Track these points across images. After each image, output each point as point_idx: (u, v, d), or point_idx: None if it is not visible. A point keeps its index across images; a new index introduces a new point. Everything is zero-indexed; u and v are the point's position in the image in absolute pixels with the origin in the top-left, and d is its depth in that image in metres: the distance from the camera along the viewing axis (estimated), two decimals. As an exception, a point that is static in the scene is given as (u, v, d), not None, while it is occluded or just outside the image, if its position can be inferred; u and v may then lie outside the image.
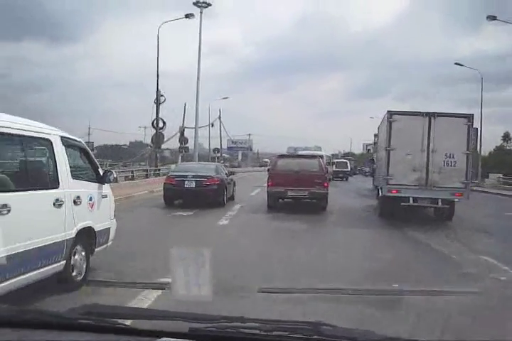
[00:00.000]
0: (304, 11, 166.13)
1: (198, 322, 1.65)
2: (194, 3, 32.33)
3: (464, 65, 35.60)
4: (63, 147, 5.29)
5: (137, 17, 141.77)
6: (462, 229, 11.81)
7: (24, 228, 4.35)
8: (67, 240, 5.08)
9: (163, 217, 13.35)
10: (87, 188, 5.81)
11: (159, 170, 31.87)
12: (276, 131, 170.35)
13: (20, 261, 4.27)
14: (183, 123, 40.17)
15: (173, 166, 35.05)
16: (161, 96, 31.10)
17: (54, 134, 5.21)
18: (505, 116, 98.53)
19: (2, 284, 4.05)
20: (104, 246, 6.27)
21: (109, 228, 6.39)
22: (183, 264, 3.33)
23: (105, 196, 6.35)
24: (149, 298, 5.08)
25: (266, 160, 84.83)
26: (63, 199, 5.04)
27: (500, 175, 31.38)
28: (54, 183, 5.01)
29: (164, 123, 31.79)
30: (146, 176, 28.11)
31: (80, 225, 5.39)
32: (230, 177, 17.69)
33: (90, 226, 5.69)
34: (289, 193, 14.51)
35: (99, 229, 5.94)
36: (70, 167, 5.38)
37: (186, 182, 15.17)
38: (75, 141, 5.88)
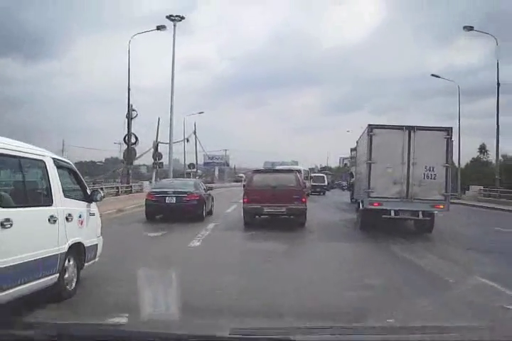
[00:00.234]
0: (279, 27, 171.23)
1: None
2: (167, 17, 32.80)
3: (440, 77, 37.41)
4: (55, 168, 5.98)
5: (112, 33, 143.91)
6: (452, 247, 11.68)
7: (24, 241, 5.00)
8: (60, 254, 5.75)
9: (129, 238, 12.18)
10: (77, 206, 6.51)
11: (131, 186, 31.72)
12: (252, 147, 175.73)
13: (22, 272, 4.91)
14: (156, 139, 40.29)
15: (145, 183, 35.56)
16: (133, 110, 31.20)
17: (47, 156, 5.92)
18: (478, 129, 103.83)
19: (8, 291, 4.69)
20: (92, 261, 6.95)
21: (96, 244, 7.09)
22: (143, 299, 3.60)
23: (93, 214, 7.06)
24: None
25: (241, 175, 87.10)
26: (57, 216, 5.71)
27: (481, 187, 32.31)
28: (48, 201, 5.69)
29: (136, 138, 31.68)
30: (117, 193, 27.57)
31: (71, 241, 6.07)
32: (208, 192, 18.99)
33: (80, 242, 6.37)
34: (266, 210, 14.52)
35: (88, 245, 6.64)
36: (61, 186, 6.06)
37: (167, 198, 16.50)
38: (65, 162, 6.58)
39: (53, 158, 6.04)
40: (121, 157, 40.35)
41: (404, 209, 13.39)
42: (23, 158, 5.36)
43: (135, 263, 7.51)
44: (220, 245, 11.38)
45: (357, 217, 16.16)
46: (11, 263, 4.72)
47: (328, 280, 7.60)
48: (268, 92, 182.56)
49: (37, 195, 5.69)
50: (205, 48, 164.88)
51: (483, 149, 44.78)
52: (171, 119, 35.74)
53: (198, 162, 72.58)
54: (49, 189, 5.74)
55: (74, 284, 6.22)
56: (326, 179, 45.81)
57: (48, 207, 5.64)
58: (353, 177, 24.65)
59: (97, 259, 7.12)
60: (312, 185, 36.09)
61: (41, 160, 5.72)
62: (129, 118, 30.94)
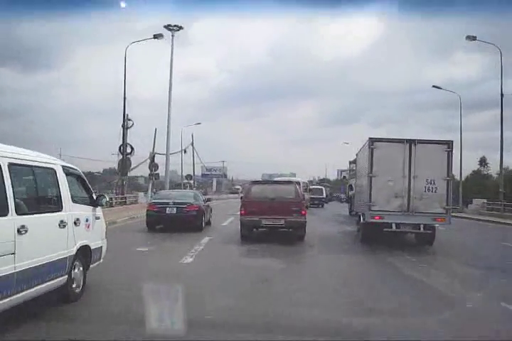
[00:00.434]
0: (278, 40, 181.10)
1: None
2: (165, 27, 33.51)
3: (441, 88, 38.31)
4: (64, 175, 6.63)
5: (111, 45, 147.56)
6: (462, 265, 11.36)
7: (38, 246, 5.59)
8: (69, 257, 6.38)
9: (117, 253, 10.44)
10: (84, 211, 7.17)
11: (125, 198, 31.91)
12: (250, 158, 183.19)
13: (37, 274, 5.52)
14: (153, 149, 40.79)
15: (141, 194, 36.11)
16: (129, 120, 31.57)
17: (57, 164, 6.58)
18: (476, 142, 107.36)
19: (25, 292, 5.27)
20: (97, 262, 7.64)
21: (101, 247, 7.79)
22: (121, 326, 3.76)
23: (98, 218, 7.75)
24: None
25: (237, 187, 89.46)
26: (66, 221, 6.35)
27: (485, 201, 32.64)
28: (58, 207, 6.33)
29: (132, 148, 31.81)
30: (111, 205, 27.41)
31: (79, 244, 6.71)
32: (207, 203, 20.13)
33: (87, 245, 7.04)
34: (264, 222, 14.53)
35: (94, 248, 7.31)
36: (70, 192, 6.70)
37: (168, 209, 17.68)
38: (73, 169, 7.24)
39: (62, 166, 6.70)
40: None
41: (405, 222, 13.89)
42: (36, 166, 5.99)
43: (120, 282, 7.80)
44: (214, 261, 10.96)
45: (357, 230, 16.72)
46: (27, 267, 5.29)
47: (329, 304, 7.05)
48: (266, 104, 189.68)
49: (48, 202, 6.30)
50: (203, 61, 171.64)
51: (483, 162, 45.62)
52: (168, 130, 36.31)
53: (196, 173, 74.22)
54: (59, 195, 6.39)
55: (81, 286, 6.85)
56: (324, 191, 46.94)
57: (58, 213, 6.27)
58: (351, 189, 25.16)
59: (101, 261, 7.80)
60: (310, 198, 36.83)
61: (52, 168, 6.38)
62: (125, 127, 31.29)
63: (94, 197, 7.72)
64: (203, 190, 76.27)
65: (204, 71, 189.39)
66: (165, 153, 38.01)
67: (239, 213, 15.54)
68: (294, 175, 69.19)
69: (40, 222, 5.74)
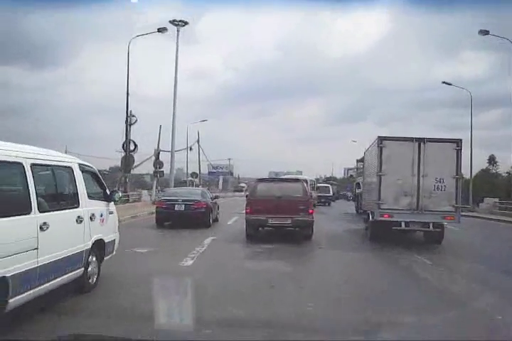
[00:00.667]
0: (284, 36, 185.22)
1: None
2: (170, 22, 33.96)
3: (451, 84, 38.75)
4: (80, 172, 7.29)
5: (117, 41, 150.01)
6: (484, 269, 10.85)
7: (58, 240, 6.22)
8: (85, 250, 7.07)
9: (114, 255, 9.22)
10: (99, 206, 7.86)
11: (128, 196, 32.14)
12: (257, 156, 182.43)
13: (57, 267, 6.16)
14: (157, 146, 41.15)
15: (144, 192, 36.60)
16: (133, 116, 31.96)
17: (74, 162, 7.24)
18: (482, 140, 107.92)
19: (46, 285, 5.91)
20: (110, 255, 8.37)
21: (114, 240, 8.53)
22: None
23: (111, 212, 8.47)
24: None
25: (242, 184, 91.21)
26: (83, 216, 7.02)
27: (497, 200, 32.90)
28: (75, 203, 6.99)
29: (136, 145, 32.08)
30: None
31: (95, 238, 7.40)
32: (214, 200, 21.52)
33: (101, 239, 7.73)
34: (270, 221, 14.59)
35: (107, 241, 8.03)
36: (86, 189, 7.36)
37: (176, 206, 18.89)
38: (88, 166, 7.90)
39: (79, 164, 7.36)
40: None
41: (414, 220, 14.39)
42: (55, 166, 6.64)
43: (113, 287, 7.73)
44: (215, 264, 10.56)
45: (365, 229, 17.31)
46: (48, 261, 5.91)
47: (342, 318, 6.53)
48: (273, 102, 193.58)
49: (67, 199, 6.94)
50: (210, 58, 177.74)
51: (492, 160, 45.99)
52: (173, 126, 36.73)
53: (203, 171, 75.29)
54: (76, 192, 7.06)
55: (95, 277, 7.55)
56: (331, 189, 47.65)
57: (75, 209, 6.93)
58: (359, 188, 25.65)
59: (114, 253, 8.56)
60: (317, 196, 37.41)
61: (69, 167, 7.04)
62: (128, 124, 31.62)
63: (108, 192, 8.42)
64: (208, 187, 77.87)
65: (211, 68, 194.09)
66: (169, 150, 38.40)
67: (244, 212, 15.65)
68: (300, 173, 70.12)
69: (60, 219, 6.36)
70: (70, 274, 6.68)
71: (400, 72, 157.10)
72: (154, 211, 19.95)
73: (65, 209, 6.69)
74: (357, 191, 30.38)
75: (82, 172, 7.39)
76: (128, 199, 31.38)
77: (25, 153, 5.78)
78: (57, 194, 6.76)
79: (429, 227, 14.46)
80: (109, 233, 8.25)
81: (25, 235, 5.46)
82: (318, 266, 11.32)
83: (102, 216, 7.86)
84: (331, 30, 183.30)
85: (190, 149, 61.29)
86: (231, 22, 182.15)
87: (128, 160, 31.77)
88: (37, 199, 5.75)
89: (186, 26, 34.88)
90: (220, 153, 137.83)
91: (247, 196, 16.38)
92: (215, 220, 20.60)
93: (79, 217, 6.92)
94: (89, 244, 7.18)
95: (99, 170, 9.04)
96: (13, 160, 5.45)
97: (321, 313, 6.66)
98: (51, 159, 6.56)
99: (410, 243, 15.01)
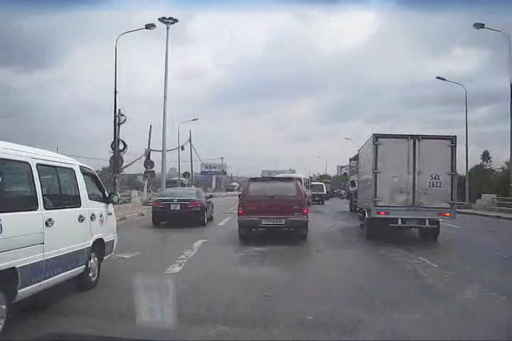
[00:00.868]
0: (276, 35, 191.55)
1: None
2: (160, 20, 34.47)
3: (445, 79, 39.36)
4: (81, 174, 7.94)
5: (108, 42, 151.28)
6: (498, 274, 9.86)
7: (62, 237, 6.84)
8: (86, 248, 7.70)
9: None
10: (99, 207, 8.50)
11: None
12: (250, 155, 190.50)
13: (61, 262, 6.78)
14: (148, 146, 41.93)
15: (134, 192, 36.89)
16: (122, 115, 32.48)
17: (75, 164, 7.89)
18: (474, 137, 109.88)
19: (51, 278, 6.52)
20: (109, 255, 9.00)
21: (113, 240, 9.16)
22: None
23: (110, 213, 9.10)
24: None
25: (234, 184, 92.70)
26: (84, 216, 7.66)
27: (494, 196, 33.53)
28: (77, 203, 7.62)
29: (125, 145, 32.52)
30: None
31: (95, 237, 8.04)
32: (209, 200, 23.00)
33: (101, 238, 8.36)
34: (264, 222, 14.61)
35: (107, 241, 8.66)
36: (87, 190, 8.03)
37: (172, 205, 20.28)
38: (88, 168, 8.55)
39: (80, 166, 8.02)
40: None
41: (411, 217, 15.05)
42: (58, 167, 7.27)
43: (76, 303, 7.08)
44: (205, 271, 9.90)
45: (360, 226, 18.05)
46: (53, 256, 6.52)
47: (346, 330, 6.07)
48: (265, 101, 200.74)
49: (69, 198, 7.58)
50: (202, 58, 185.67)
51: (486, 156, 46.74)
52: (163, 125, 37.31)
53: (196, 171, 77.44)
54: (77, 192, 7.70)
55: (96, 275, 8.19)
56: (324, 187, 48.69)
57: (77, 208, 7.57)
58: (354, 185, 26.27)
59: (113, 253, 9.19)
60: (311, 194, 38.10)
61: (71, 168, 7.69)
62: (117, 123, 32.04)
63: (107, 194, 9.07)
64: (202, 187, 79.12)
65: (202, 68, 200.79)
66: (160, 149, 38.88)
67: (237, 212, 15.74)
68: (293, 171, 71.75)
69: (64, 216, 6.99)
70: (73, 270, 7.30)
71: (391, 70, 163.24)
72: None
73: (67, 207, 7.33)
74: (350, 189, 31.17)
75: (83, 174, 8.04)
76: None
77: (31, 154, 6.41)
78: (61, 193, 7.40)
79: (425, 224, 15.10)
80: (109, 233, 8.89)
81: (33, 230, 6.07)
82: (317, 271, 10.57)
83: (101, 216, 8.49)
84: (321, 28, 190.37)
85: (182, 148, 62.49)
86: (221, 22, 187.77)
87: (117, 161, 32.00)
88: (42, 196, 6.37)
89: (178, 27, 35.86)
90: (213, 152, 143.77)
91: (239, 196, 16.37)
92: (210, 219, 21.94)
93: (80, 216, 7.55)
94: (90, 243, 7.82)
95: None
96: (21, 160, 6.08)
97: (322, 327, 6.14)
98: (55, 160, 7.20)
99: (409, 242, 15.22)
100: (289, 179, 17.25)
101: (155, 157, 41.22)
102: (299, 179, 20.32)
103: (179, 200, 20.39)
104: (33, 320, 5.97)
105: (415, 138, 15.14)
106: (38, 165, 6.43)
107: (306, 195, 17.02)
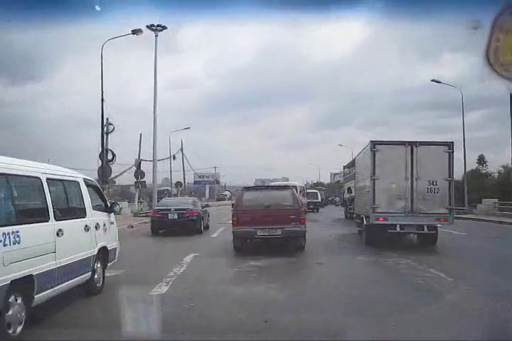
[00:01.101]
0: (267, 44, 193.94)
1: None
2: (148, 27, 35.06)
3: (441, 82, 40.47)
4: (85, 186, 8.79)
5: (97, 54, 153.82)
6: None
7: (71, 246, 7.67)
8: (92, 256, 8.57)
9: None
10: (102, 217, 9.39)
11: None
12: (242, 164, 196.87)
13: (71, 269, 7.62)
14: (138, 156, 42.57)
15: (124, 203, 36.80)
16: (110, 124, 33.28)
17: (79, 177, 8.75)
18: (467, 141, 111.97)
19: (63, 284, 7.35)
20: (113, 262, 9.89)
21: (115, 248, 10.05)
22: None
23: (112, 223, 10.00)
24: None
25: (225, 193, 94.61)
26: (90, 225, 8.53)
27: (496, 200, 34.13)
28: (83, 213, 8.50)
29: (114, 155, 32.98)
30: None
31: (99, 245, 8.91)
32: (205, 209, 24.80)
33: (105, 246, 9.24)
34: (259, 233, 14.46)
35: (110, 248, 9.55)
36: (91, 201, 8.87)
37: (170, 215, 22.04)
38: (91, 181, 9.45)
39: (84, 178, 8.88)
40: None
41: (409, 223, 15.83)
42: (65, 180, 8.14)
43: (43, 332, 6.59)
44: (194, 291, 9.20)
45: (359, 233, 18.88)
46: (64, 263, 7.34)
47: None
48: (256, 109, 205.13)
49: (75, 209, 8.42)
50: (193, 68, 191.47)
51: (482, 160, 47.70)
52: (154, 133, 37.74)
53: (189, 180, 79.83)
54: (83, 204, 8.58)
55: (101, 281, 9.05)
56: (319, 195, 49.41)
57: (83, 219, 8.44)
58: (350, 192, 27.04)
59: (115, 260, 10.07)
60: (306, 202, 38.96)
61: (76, 181, 8.56)
62: (104, 132, 32.70)
63: (109, 204, 9.93)
64: (197, 197, 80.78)
65: (193, 78, 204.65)
66: (151, 159, 39.24)
67: (231, 222, 15.76)
68: (286, 179, 73.36)
69: (72, 226, 7.83)
70: (81, 277, 8.16)
71: (381, 76, 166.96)
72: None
73: (74, 218, 8.16)
74: (346, 196, 31.87)
75: (87, 186, 8.91)
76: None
77: (41, 169, 7.27)
78: (68, 205, 8.23)
79: (423, 230, 15.88)
80: (111, 241, 9.77)
81: (46, 240, 6.89)
82: (321, 290, 9.67)
83: (104, 225, 9.38)
84: (311, 36, 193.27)
85: (174, 158, 63.46)
86: (211, 31, 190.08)
87: (105, 171, 32.16)
88: (53, 208, 7.20)
89: (168, 37, 36.62)
90: (206, 161, 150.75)
91: (232, 205, 16.37)
92: (206, 227, 23.76)
93: (86, 225, 8.42)
94: (95, 251, 8.69)
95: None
96: (33, 175, 6.92)
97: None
98: (62, 174, 8.09)
99: (415, 252, 14.83)
100: (285, 187, 17.46)
101: (146, 167, 41.79)
102: (295, 187, 20.35)
103: (176, 209, 22.14)
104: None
105: (413, 144, 15.91)
106: (47, 179, 7.26)
107: (302, 204, 16.73)
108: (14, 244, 5.96)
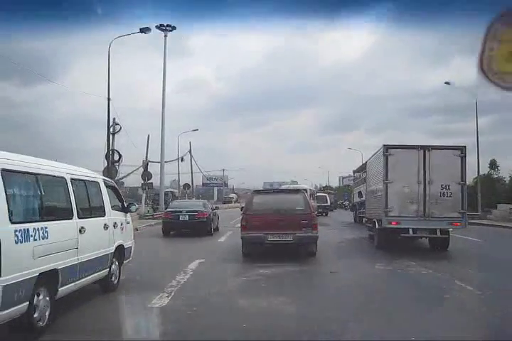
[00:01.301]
0: (276, 48, 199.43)
1: None
2: (157, 27, 35.96)
3: (451, 84, 41.82)
4: (105, 187, 9.51)
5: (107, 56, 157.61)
6: None
7: (91, 243, 8.38)
8: (110, 253, 9.30)
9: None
10: (119, 216, 10.14)
11: None
12: (251, 167, 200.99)
13: (91, 265, 8.34)
14: (146, 157, 43.11)
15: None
16: (116, 124, 33.93)
17: (100, 178, 9.49)
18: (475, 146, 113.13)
19: (83, 279, 8.07)
20: (128, 259, 10.64)
21: (131, 246, 10.82)
22: None
23: (128, 222, 10.76)
24: None
25: (231, 195, 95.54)
26: (108, 224, 9.27)
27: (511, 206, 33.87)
28: (102, 212, 9.23)
29: (120, 155, 33.14)
30: None
31: (117, 243, 9.66)
32: (215, 211, 26.20)
33: (122, 244, 9.98)
34: (270, 238, 14.27)
35: (126, 247, 10.31)
36: (109, 201, 9.59)
37: (181, 216, 23.53)
38: (110, 182, 10.21)
39: (103, 179, 9.59)
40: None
41: (422, 227, 16.34)
42: (87, 181, 8.88)
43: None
44: (197, 304, 8.66)
45: (370, 237, 19.47)
46: (85, 259, 8.04)
47: None
48: (266, 113, 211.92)
49: (96, 208, 9.14)
50: (203, 71, 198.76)
51: (493, 165, 47.84)
52: (162, 135, 38.84)
53: (197, 183, 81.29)
54: (102, 203, 9.32)
55: (118, 278, 9.77)
56: (328, 199, 50.04)
57: (102, 217, 9.17)
58: (361, 196, 27.55)
59: (131, 258, 10.82)
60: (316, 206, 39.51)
61: (97, 182, 9.29)
62: (111, 132, 33.27)
63: (125, 204, 10.65)
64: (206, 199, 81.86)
65: (203, 80, 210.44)
66: (159, 161, 40.31)
67: (238, 226, 15.63)
68: (295, 182, 73.51)
69: (92, 224, 8.53)
70: (100, 273, 8.88)
71: (391, 81, 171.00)
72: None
73: (95, 216, 8.89)
74: (355, 200, 32.45)
75: (106, 186, 9.66)
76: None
77: (66, 170, 8.01)
78: (89, 204, 8.93)
79: (436, 234, 16.38)
80: (127, 240, 10.53)
81: (69, 236, 7.59)
82: (337, 304, 8.94)
83: (122, 225, 10.13)
84: (321, 40, 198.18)
85: (182, 160, 65.18)
86: (222, 35, 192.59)
87: (110, 171, 31.79)
88: (76, 207, 7.91)
89: (179, 40, 38.33)
90: (214, 164, 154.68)
91: (241, 209, 16.27)
92: (216, 229, 25.14)
93: (105, 224, 9.15)
94: (112, 248, 9.44)
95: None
96: (59, 175, 7.65)
97: None
98: (84, 175, 8.82)
99: (436, 261, 14.17)
100: (296, 191, 17.25)
101: (155, 169, 42.71)
102: (305, 190, 20.40)
103: (187, 211, 23.51)
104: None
105: (425, 148, 16.44)
106: (71, 179, 7.99)
107: (314, 208, 16.68)
108: (43, 239, 6.63)
